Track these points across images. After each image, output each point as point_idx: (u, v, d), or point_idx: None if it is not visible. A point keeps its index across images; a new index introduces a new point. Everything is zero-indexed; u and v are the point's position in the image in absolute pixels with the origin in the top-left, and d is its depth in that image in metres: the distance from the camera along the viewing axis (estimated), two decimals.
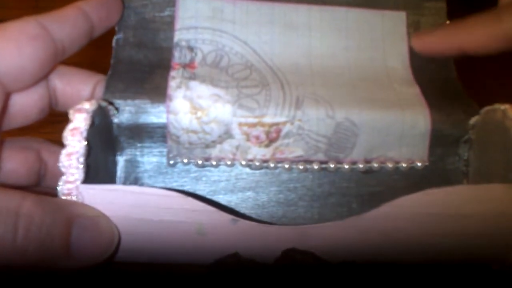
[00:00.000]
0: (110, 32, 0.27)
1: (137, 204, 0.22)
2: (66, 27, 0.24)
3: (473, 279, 0.23)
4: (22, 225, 0.19)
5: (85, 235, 0.21)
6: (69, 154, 0.22)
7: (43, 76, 0.25)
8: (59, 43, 0.24)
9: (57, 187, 0.22)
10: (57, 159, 0.24)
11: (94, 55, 0.32)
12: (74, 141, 0.22)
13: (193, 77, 0.26)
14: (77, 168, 0.22)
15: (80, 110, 0.23)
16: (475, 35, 0.26)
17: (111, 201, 0.22)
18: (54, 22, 0.24)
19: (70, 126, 0.22)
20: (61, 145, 0.22)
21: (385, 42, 0.28)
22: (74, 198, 0.21)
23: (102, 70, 0.27)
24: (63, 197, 0.22)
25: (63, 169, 0.22)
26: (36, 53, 0.23)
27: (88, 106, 0.23)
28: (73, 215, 0.21)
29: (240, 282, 0.23)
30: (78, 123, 0.22)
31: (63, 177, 0.22)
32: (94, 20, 0.25)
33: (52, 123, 0.27)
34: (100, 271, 0.22)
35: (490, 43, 0.25)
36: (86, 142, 0.22)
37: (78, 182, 0.22)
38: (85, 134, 0.22)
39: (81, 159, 0.22)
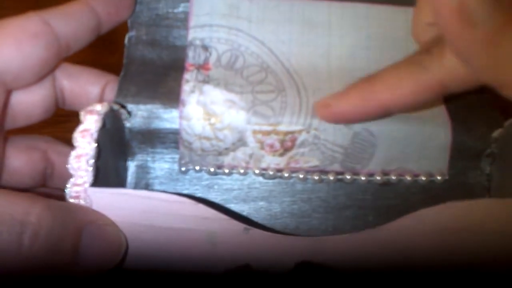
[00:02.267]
0: (113, 30, 0.26)
1: (147, 209, 0.21)
2: (71, 23, 0.24)
3: None
4: (29, 233, 0.18)
5: (94, 243, 0.20)
6: (79, 156, 0.21)
7: (46, 73, 0.24)
8: (63, 40, 0.23)
9: (65, 190, 0.21)
10: (64, 160, 0.23)
11: (96, 52, 0.31)
12: (84, 142, 0.21)
13: (207, 80, 0.26)
14: (86, 170, 0.21)
15: (91, 112, 0.22)
16: (399, 88, 0.22)
17: (120, 205, 0.21)
18: (58, 18, 0.23)
19: (80, 127, 0.22)
20: (66, 143, 0.22)
21: (408, 41, 0.27)
22: (82, 201, 0.21)
23: (104, 68, 0.27)
24: (71, 200, 0.21)
25: (72, 171, 0.21)
26: (37, 51, 0.23)
27: (99, 108, 0.23)
28: (83, 223, 0.20)
29: None
30: (89, 124, 0.22)
31: (72, 180, 0.21)
32: (102, 15, 0.25)
33: (55, 123, 0.26)
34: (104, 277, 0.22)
35: (419, 94, 0.22)
36: (96, 145, 0.21)
37: (87, 185, 0.21)
38: (95, 136, 0.22)
39: (91, 162, 0.21)
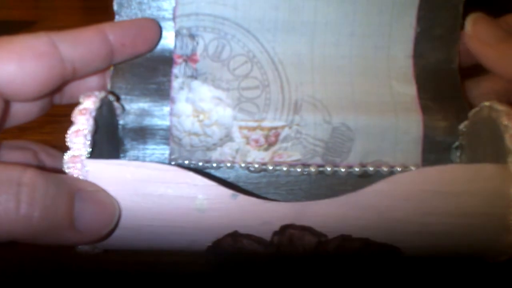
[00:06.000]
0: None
1: (139, 178, 0.22)
2: (79, 47, 0.24)
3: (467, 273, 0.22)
4: (26, 194, 0.19)
5: (87, 207, 0.21)
6: (77, 131, 0.23)
7: (49, 93, 0.24)
8: (68, 64, 0.23)
9: (63, 161, 0.22)
10: (54, 161, 0.24)
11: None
12: (83, 119, 0.23)
13: (195, 75, 0.27)
14: (84, 144, 0.22)
15: (89, 96, 0.24)
16: None
17: (115, 175, 0.22)
18: (67, 41, 0.23)
19: (79, 107, 0.23)
20: (61, 147, 0.23)
21: (392, 27, 0.28)
22: (77, 171, 0.22)
23: None
24: (68, 170, 0.22)
25: (69, 144, 0.22)
26: (39, 70, 0.23)
27: (97, 93, 0.24)
28: (74, 189, 0.21)
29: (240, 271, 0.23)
30: (88, 104, 0.24)
31: (69, 152, 0.22)
32: (115, 45, 0.25)
33: (52, 123, 0.27)
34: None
35: None
36: (94, 121, 0.23)
37: (83, 157, 0.22)
38: (94, 114, 0.23)
39: (88, 136, 0.23)
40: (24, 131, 0.27)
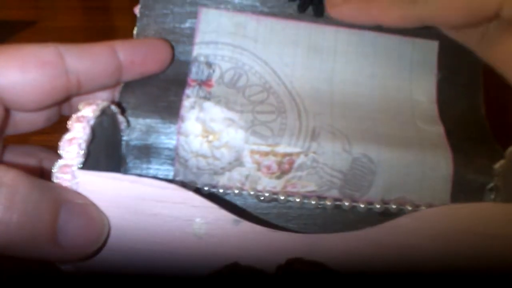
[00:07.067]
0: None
1: (133, 194, 0.20)
2: (86, 61, 0.23)
3: None
4: (4, 195, 0.18)
5: (73, 221, 0.19)
6: (71, 139, 0.21)
7: (51, 104, 0.23)
8: (73, 76, 0.23)
9: (52, 170, 0.20)
10: None
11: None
12: (79, 127, 0.21)
13: (208, 97, 0.26)
14: (77, 153, 0.21)
15: (90, 104, 0.22)
16: (389, 15, 0.25)
17: (107, 189, 0.20)
18: (74, 53, 0.23)
19: (77, 114, 0.22)
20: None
21: (413, 72, 0.27)
22: (67, 182, 0.20)
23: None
24: (56, 180, 0.20)
25: (61, 153, 0.21)
26: (42, 79, 0.22)
27: (99, 102, 0.23)
28: (61, 199, 0.19)
29: None
30: (86, 112, 0.22)
31: (60, 161, 0.20)
32: (124, 62, 0.24)
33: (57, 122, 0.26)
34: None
35: (403, 23, 0.25)
36: (90, 131, 0.21)
37: (75, 168, 0.20)
38: (92, 122, 0.21)
39: (83, 146, 0.21)
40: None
